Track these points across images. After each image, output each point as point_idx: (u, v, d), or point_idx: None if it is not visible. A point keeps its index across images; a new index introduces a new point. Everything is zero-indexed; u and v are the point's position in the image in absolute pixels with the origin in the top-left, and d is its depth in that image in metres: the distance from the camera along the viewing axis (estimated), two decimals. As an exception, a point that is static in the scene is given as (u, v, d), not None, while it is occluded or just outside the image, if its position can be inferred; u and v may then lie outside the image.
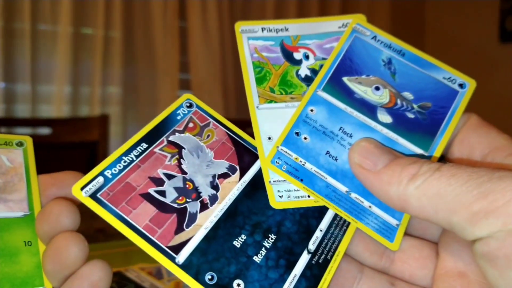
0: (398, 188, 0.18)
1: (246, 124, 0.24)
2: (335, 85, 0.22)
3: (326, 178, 0.21)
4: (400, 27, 2.24)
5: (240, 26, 0.23)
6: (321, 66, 0.22)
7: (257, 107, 0.22)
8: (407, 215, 0.21)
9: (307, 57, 0.23)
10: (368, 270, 0.21)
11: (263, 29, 0.23)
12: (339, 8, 2.11)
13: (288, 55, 0.23)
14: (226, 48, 1.86)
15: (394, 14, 2.20)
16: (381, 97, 0.23)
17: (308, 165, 0.21)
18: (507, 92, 1.95)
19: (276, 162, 0.22)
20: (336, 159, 0.21)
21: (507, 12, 1.99)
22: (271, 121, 0.22)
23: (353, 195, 0.21)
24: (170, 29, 1.76)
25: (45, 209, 0.21)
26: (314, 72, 0.22)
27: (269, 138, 0.21)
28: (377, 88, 0.23)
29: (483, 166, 0.18)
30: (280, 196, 0.21)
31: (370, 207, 0.21)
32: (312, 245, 0.20)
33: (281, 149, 0.22)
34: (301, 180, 0.21)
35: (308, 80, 0.22)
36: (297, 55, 0.23)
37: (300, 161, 0.21)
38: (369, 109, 0.22)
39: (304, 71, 0.23)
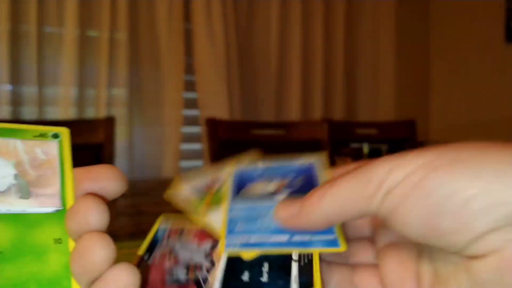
0: (317, 212, 0.23)
1: (250, 125, 0.24)
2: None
3: (271, 237, 0.25)
4: (405, 28, 2.23)
5: None
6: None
7: None
8: (338, 227, 0.25)
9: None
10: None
11: None
12: (343, 9, 2.10)
13: None
14: (231, 49, 1.86)
15: (399, 15, 2.20)
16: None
17: (254, 237, 0.25)
18: (514, 92, 1.94)
19: (230, 246, 0.25)
20: (269, 226, 0.25)
21: (513, 12, 1.98)
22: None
23: (294, 238, 0.24)
24: (175, 31, 1.77)
25: (74, 206, 0.21)
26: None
27: None
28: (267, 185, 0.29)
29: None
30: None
31: (310, 238, 0.24)
32: (294, 255, 0.24)
33: (228, 238, 0.25)
34: (255, 247, 0.24)
35: None
36: None
37: (248, 239, 0.25)
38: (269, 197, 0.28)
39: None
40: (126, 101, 1.71)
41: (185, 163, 1.87)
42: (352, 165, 0.26)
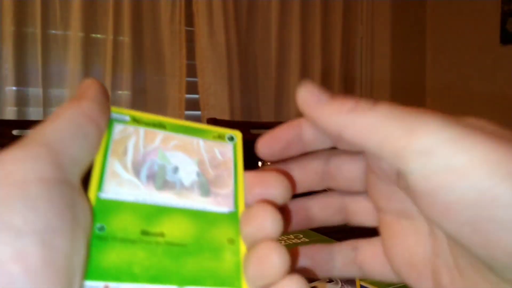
0: (338, 116, 0.21)
1: (250, 125, 0.25)
2: None
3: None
4: (401, 30, 2.25)
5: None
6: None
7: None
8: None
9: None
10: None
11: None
12: (341, 8, 2.13)
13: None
14: (231, 52, 1.88)
15: (395, 16, 2.21)
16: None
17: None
18: (508, 94, 1.96)
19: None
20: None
21: (509, 14, 1.99)
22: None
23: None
24: (178, 34, 1.79)
25: (251, 210, 0.21)
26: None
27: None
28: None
29: None
30: None
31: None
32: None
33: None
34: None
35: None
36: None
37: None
38: None
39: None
40: (130, 102, 1.73)
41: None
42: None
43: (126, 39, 1.71)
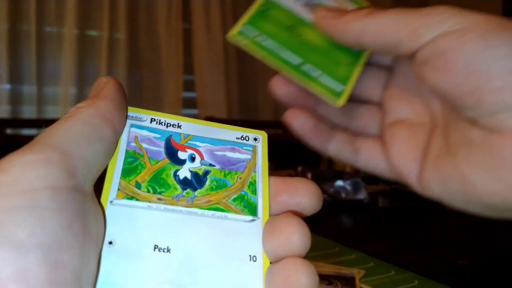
0: (355, 22, 0.23)
1: (250, 125, 0.24)
2: None
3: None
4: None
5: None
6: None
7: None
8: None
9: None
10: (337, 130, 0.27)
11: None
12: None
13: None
14: (229, 50, 1.87)
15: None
16: None
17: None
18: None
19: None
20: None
21: (510, 13, 2.00)
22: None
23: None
24: (174, 31, 1.78)
25: (276, 223, 0.19)
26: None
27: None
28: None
29: None
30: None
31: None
32: None
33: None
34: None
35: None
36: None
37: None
38: None
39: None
40: (125, 100, 1.72)
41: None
42: None
43: (122, 36, 1.70)
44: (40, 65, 1.61)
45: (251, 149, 0.22)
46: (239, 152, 0.22)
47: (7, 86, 1.57)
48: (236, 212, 0.20)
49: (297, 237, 0.19)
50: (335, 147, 0.26)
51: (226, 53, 1.86)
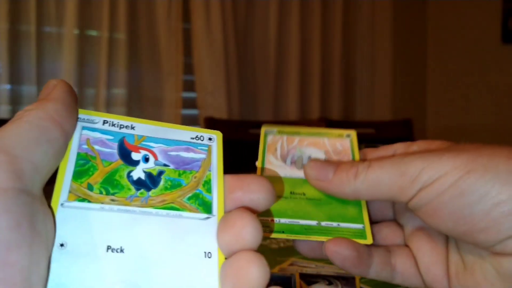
0: (349, 186, 0.25)
1: (249, 125, 0.25)
2: None
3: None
4: (402, 28, 2.24)
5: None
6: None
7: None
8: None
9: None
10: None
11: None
12: (341, 9, 2.11)
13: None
14: (229, 50, 1.87)
15: (396, 15, 2.20)
16: None
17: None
18: (510, 92, 1.95)
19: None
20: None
21: (510, 12, 1.99)
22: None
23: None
24: (174, 31, 1.78)
25: (230, 218, 0.20)
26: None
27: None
28: None
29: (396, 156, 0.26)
30: None
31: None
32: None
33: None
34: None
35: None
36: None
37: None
38: None
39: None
40: (125, 100, 1.72)
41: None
42: (383, 150, 0.29)
43: (121, 36, 1.70)
44: (40, 65, 1.60)
45: (206, 148, 0.22)
46: (194, 152, 0.22)
47: (7, 86, 1.57)
48: (191, 210, 0.20)
49: (248, 231, 0.19)
50: (375, 271, 0.28)
51: (226, 53, 1.85)
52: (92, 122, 0.21)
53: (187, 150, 0.22)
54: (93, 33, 1.68)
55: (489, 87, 2.03)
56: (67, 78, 1.62)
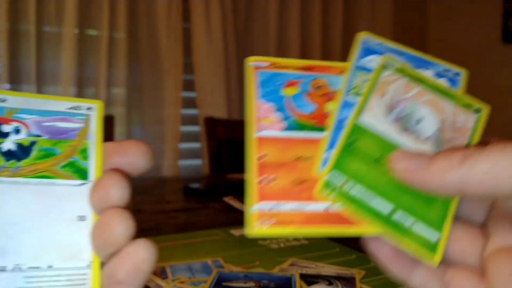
0: (452, 173, 0.19)
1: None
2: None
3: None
4: (402, 27, 2.24)
5: None
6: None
7: None
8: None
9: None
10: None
11: None
12: (341, 9, 2.11)
13: None
14: (229, 49, 1.87)
15: (396, 14, 2.20)
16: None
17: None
18: (510, 92, 1.95)
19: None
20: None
21: (510, 12, 1.99)
22: None
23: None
24: (174, 30, 1.78)
25: (99, 180, 0.21)
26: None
27: None
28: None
29: None
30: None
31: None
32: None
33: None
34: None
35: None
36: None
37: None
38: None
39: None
40: (125, 100, 1.72)
41: (183, 162, 1.88)
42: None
43: (121, 35, 1.69)
44: (39, 65, 1.60)
45: (84, 118, 0.23)
46: (71, 121, 0.22)
47: (7, 86, 1.57)
48: (65, 177, 0.21)
49: (115, 189, 0.20)
50: (420, 278, 0.23)
51: (226, 53, 1.85)
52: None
53: (63, 120, 0.22)
54: (93, 32, 1.67)
55: (490, 87, 2.03)
56: (67, 78, 1.62)
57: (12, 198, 0.20)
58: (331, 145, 0.24)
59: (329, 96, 0.25)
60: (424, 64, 0.28)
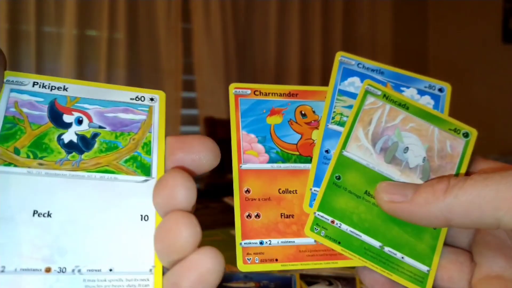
0: (438, 204, 0.19)
1: None
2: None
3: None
4: (402, 28, 2.24)
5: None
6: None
7: None
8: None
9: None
10: None
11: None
12: (341, 9, 2.11)
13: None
14: (229, 49, 1.87)
15: (396, 15, 2.20)
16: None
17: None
18: (510, 92, 1.95)
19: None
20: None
21: (510, 12, 1.99)
22: None
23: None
24: (174, 31, 1.78)
25: (162, 179, 0.19)
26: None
27: None
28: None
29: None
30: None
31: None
32: None
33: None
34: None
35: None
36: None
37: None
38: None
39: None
40: (125, 100, 1.72)
41: (183, 163, 1.87)
42: (493, 164, 0.23)
43: (121, 36, 1.69)
44: (39, 65, 1.60)
45: (147, 109, 0.21)
46: (133, 113, 0.21)
47: (7, 86, 1.57)
48: (127, 173, 0.20)
49: (179, 190, 0.19)
50: None
51: (226, 53, 1.85)
52: (21, 84, 0.20)
53: (126, 111, 0.21)
54: (93, 33, 1.67)
55: (490, 87, 2.03)
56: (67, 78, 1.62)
57: (73, 193, 0.19)
58: (318, 179, 0.23)
59: (314, 124, 0.25)
60: (407, 81, 0.27)
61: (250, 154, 0.23)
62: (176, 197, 0.19)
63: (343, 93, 0.26)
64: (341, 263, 0.23)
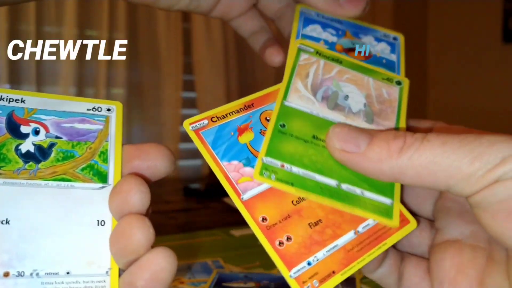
0: (390, 162, 0.19)
1: None
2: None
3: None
4: (403, 27, 2.23)
5: None
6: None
7: None
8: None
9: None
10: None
11: None
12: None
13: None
14: (229, 49, 1.86)
15: (396, 14, 2.20)
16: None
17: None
18: (510, 92, 1.95)
19: (265, 173, 0.22)
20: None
21: (510, 12, 1.99)
22: None
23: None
24: (174, 30, 1.77)
25: (117, 185, 0.20)
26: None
27: None
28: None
29: (464, 133, 0.19)
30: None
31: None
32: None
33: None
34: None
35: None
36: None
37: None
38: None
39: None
40: (125, 100, 1.71)
41: (183, 162, 1.87)
42: (452, 127, 0.22)
43: (121, 35, 1.69)
44: (39, 65, 1.60)
45: (104, 119, 0.22)
46: (90, 123, 0.22)
47: (7, 86, 1.57)
48: (84, 181, 0.21)
49: (133, 194, 0.19)
50: (381, 273, 0.23)
51: (226, 53, 1.85)
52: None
53: (82, 121, 0.22)
54: (93, 32, 1.67)
55: (490, 87, 2.03)
56: (67, 78, 1.61)
57: (30, 201, 0.19)
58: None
59: None
60: (363, 31, 0.29)
61: (244, 182, 0.22)
62: (130, 201, 0.20)
63: (306, 37, 0.27)
64: (390, 241, 0.21)
